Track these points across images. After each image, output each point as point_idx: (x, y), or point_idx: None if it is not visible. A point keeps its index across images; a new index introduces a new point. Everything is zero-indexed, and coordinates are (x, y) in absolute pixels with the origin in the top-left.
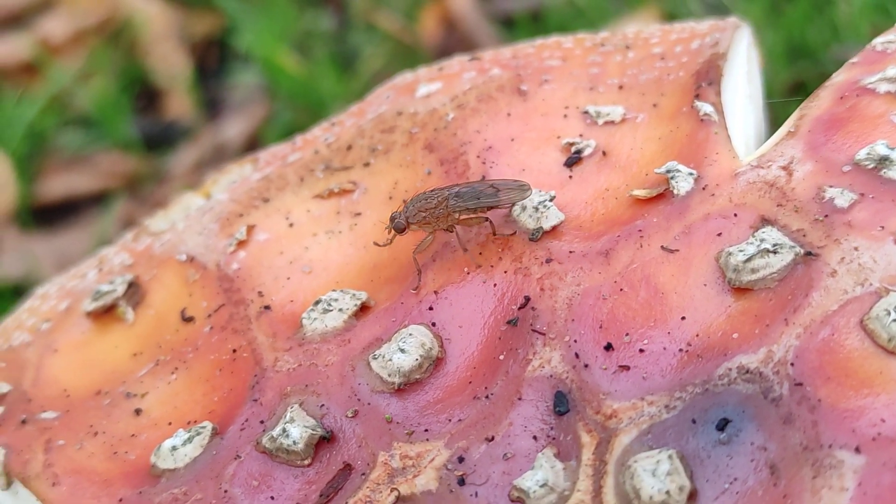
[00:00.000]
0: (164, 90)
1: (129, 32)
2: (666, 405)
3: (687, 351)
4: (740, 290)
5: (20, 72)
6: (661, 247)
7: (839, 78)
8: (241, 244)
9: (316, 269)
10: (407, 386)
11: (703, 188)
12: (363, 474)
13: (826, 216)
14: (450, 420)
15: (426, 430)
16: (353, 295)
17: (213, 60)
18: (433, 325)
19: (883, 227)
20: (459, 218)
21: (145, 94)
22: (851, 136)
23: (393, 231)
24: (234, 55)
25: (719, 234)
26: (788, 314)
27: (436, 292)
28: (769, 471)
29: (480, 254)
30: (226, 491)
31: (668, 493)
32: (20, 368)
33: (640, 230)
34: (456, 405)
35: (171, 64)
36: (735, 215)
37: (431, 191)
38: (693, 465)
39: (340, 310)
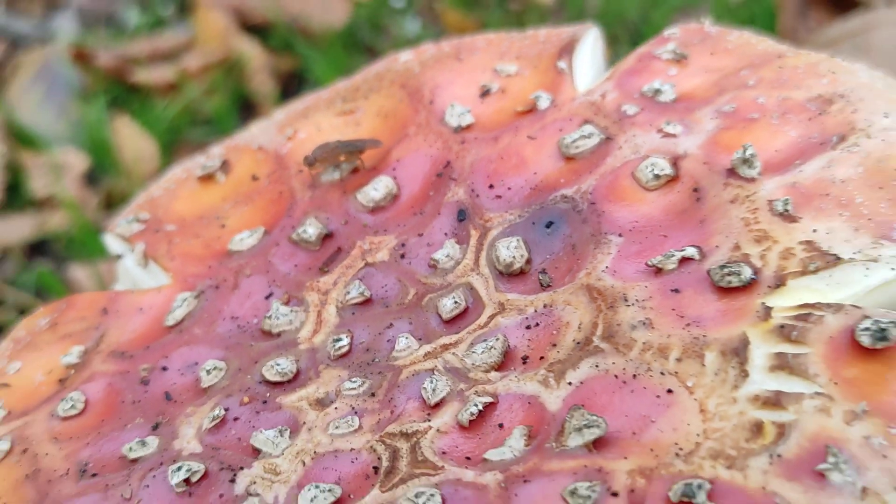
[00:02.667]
0: (259, 104)
1: (239, 65)
2: (519, 215)
3: (533, 188)
4: (569, 158)
5: (167, 89)
6: (527, 136)
7: (641, 52)
8: (290, 138)
9: None
10: (376, 208)
11: (555, 106)
12: (347, 253)
13: (620, 119)
14: (398, 225)
15: (385, 230)
16: (351, 163)
17: (293, 86)
18: (394, 177)
19: (651, 125)
20: (343, 156)
21: (247, 107)
22: (642, 77)
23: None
24: (308, 83)
25: (560, 129)
26: (592, 169)
27: (398, 160)
28: (571, 247)
29: (430, 146)
30: (270, 261)
31: (513, 257)
32: (155, 207)
33: (516, 126)
34: (403, 218)
35: (264, 88)
36: (570, 119)
37: (326, 142)
38: (531, 245)
39: (343, 168)
